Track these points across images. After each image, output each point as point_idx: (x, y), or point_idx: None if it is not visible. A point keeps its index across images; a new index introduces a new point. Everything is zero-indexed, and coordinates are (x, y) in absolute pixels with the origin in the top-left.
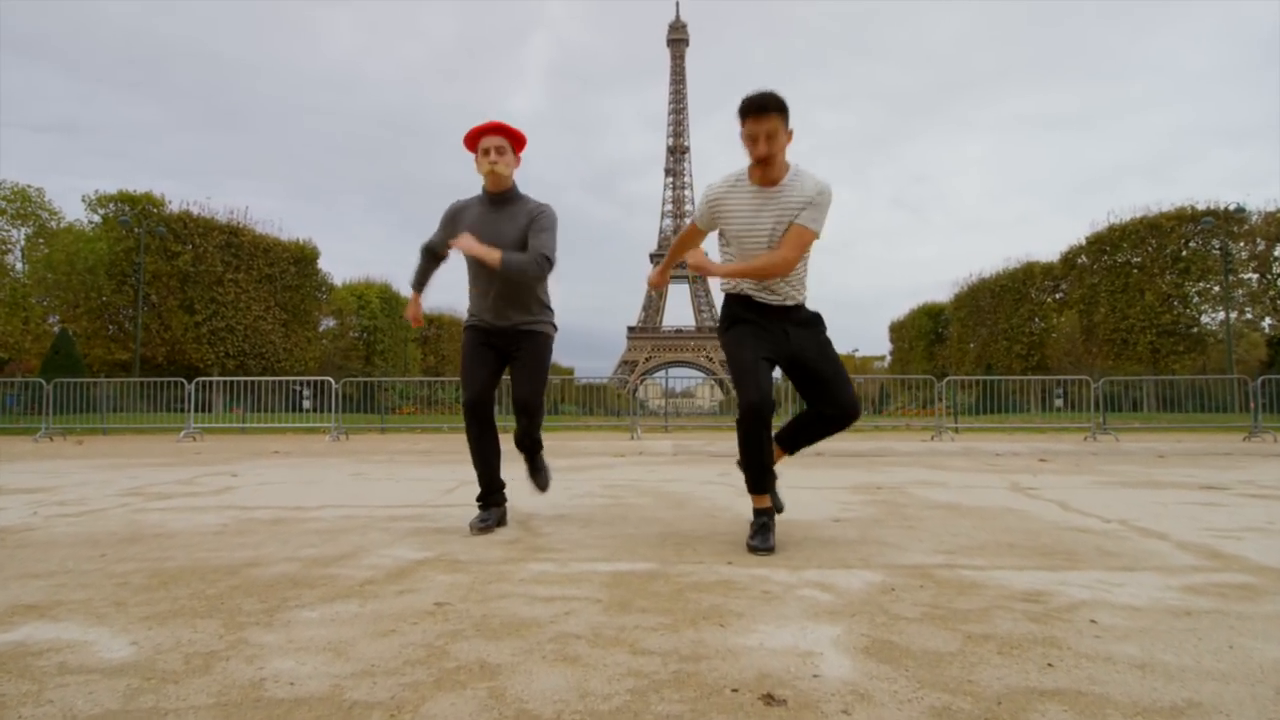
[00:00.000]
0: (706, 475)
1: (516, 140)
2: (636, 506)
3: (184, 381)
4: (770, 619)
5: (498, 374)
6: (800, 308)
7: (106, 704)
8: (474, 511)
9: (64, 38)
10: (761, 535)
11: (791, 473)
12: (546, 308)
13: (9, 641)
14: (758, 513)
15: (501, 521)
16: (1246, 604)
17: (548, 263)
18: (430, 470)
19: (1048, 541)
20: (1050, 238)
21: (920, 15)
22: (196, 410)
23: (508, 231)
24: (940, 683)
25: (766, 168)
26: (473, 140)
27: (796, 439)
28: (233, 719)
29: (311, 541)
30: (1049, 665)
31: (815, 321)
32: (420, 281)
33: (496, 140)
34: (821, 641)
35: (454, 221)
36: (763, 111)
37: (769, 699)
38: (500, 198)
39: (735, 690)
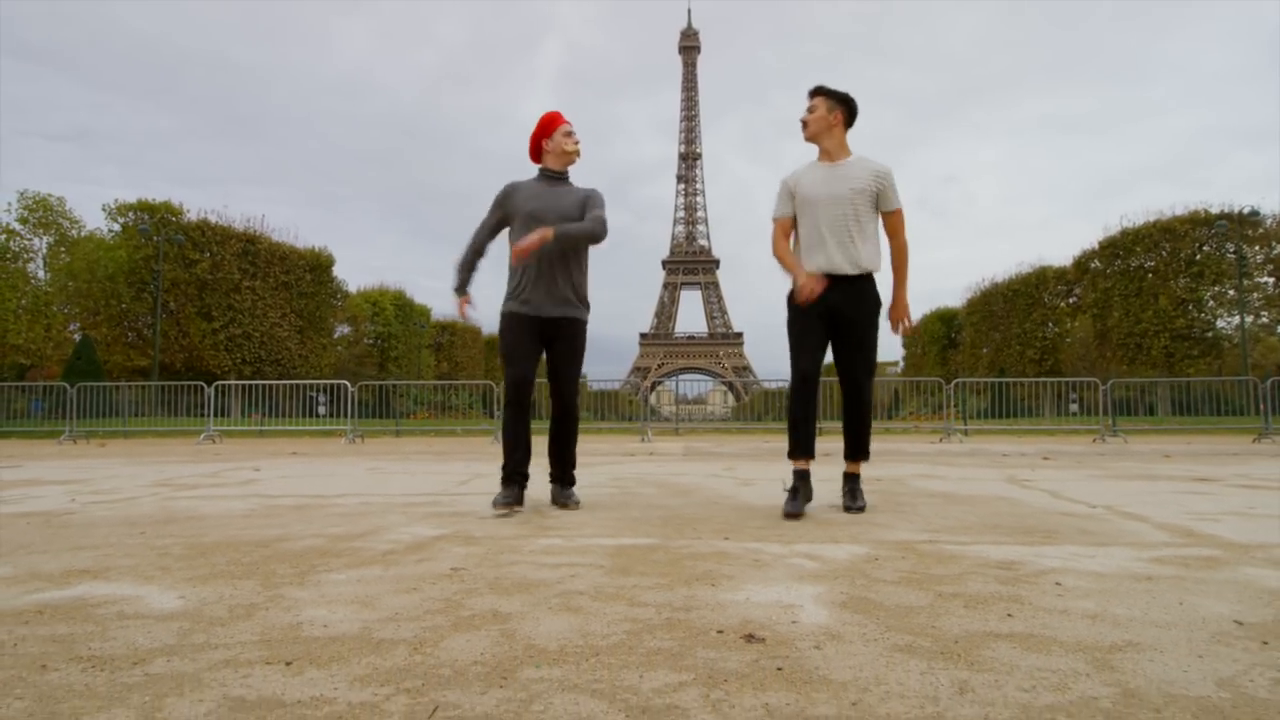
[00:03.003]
0: (713, 470)
1: None
2: (642, 495)
3: (204, 385)
4: (758, 581)
5: (538, 357)
6: (857, 280)
7: (164, 640)
8: (488, 498)
9: (79, 47)
10: (791, 499)
11: None
12: (585, 300)
13: (70, 596)
14: (795, 473)
15: (520, 501)
16: (1207, 572)
17: (604, 226)
18: (445, 466)
19: (1032, 523)
20: (1072, 242)
21: (935, 18)
22: (218, 414)
23: (565, 205)
24: (906, 628)
25: (821, 144)
26: (549, 125)
27: (848, 442)
28: (275, 651)
29: (334, 522)
30: (1008, 615)
31: (863, 298)
32: (463, 284)
33: (572, 127)
34: (803, 598)
35: (509, 199)
36: (810, 96)
37: (749, 638)
38: (560, 176)
39: (720, 632)
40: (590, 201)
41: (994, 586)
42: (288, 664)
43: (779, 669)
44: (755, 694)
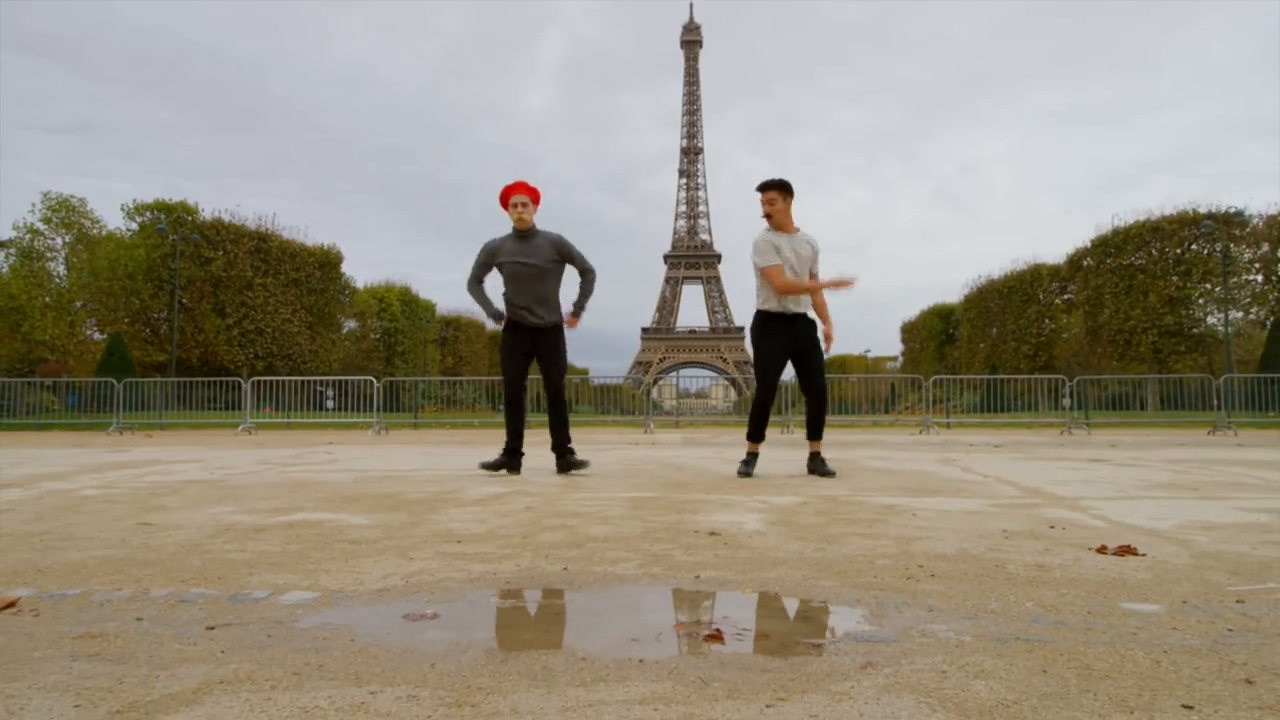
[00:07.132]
0: (705, 454)
1: (535, 195)
2: (646, 470)
3: (241, 381)
4: (723, 513)
5: (528, 364)
6: (805, 317)
7: (377, 535)
8: (532, 471)
9: (76, 38)
10: (746, 465)
11: (778, 451)
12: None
13: (297, 519)
14: (749, 454)
15: (514, 469)
16: (1018, 511)
17: (593, 271)
18: (482, 450)
19: (930, 486)
20: (1077, 238)
21: (943, 8)
22: (233, 408)
23: (537, 257)
24: (804, 531)
25: (775, 221)
26: (505, 198)
27: (812, 428)
28: (444, 538)
29: (426, 485)
30: (869, 527)
31: (812, 329)
32: (496, 310)
33: (522, 197)
34: (749, 519)
35: (492, 256)
36: (764, 189)
37: (711, 534)
38: (525, 234)
39: (695, 532)
40: (565, 249)
41: (873, 516)
42: (458, 541)
43: (725, 544)
44: (710, 550)
